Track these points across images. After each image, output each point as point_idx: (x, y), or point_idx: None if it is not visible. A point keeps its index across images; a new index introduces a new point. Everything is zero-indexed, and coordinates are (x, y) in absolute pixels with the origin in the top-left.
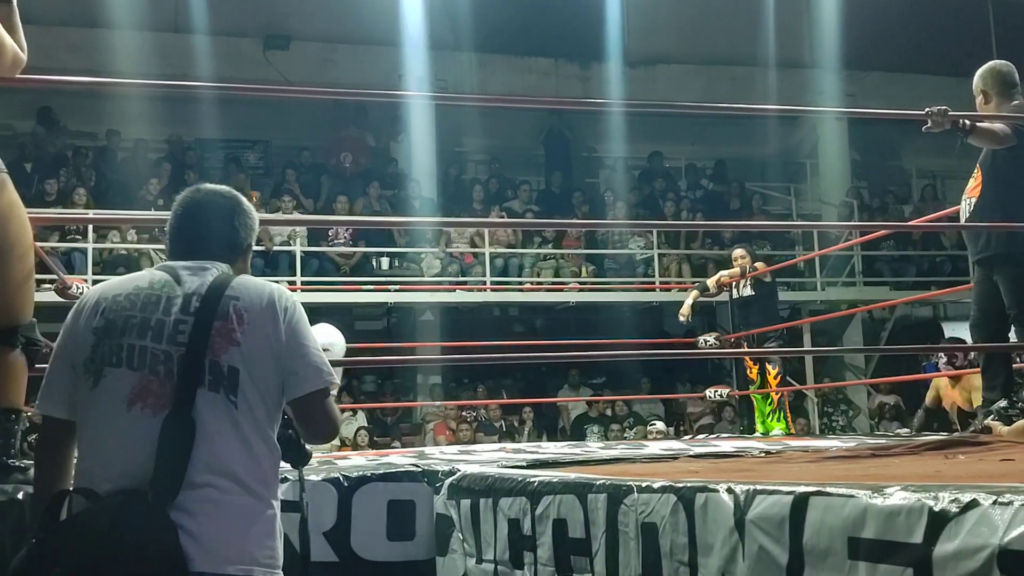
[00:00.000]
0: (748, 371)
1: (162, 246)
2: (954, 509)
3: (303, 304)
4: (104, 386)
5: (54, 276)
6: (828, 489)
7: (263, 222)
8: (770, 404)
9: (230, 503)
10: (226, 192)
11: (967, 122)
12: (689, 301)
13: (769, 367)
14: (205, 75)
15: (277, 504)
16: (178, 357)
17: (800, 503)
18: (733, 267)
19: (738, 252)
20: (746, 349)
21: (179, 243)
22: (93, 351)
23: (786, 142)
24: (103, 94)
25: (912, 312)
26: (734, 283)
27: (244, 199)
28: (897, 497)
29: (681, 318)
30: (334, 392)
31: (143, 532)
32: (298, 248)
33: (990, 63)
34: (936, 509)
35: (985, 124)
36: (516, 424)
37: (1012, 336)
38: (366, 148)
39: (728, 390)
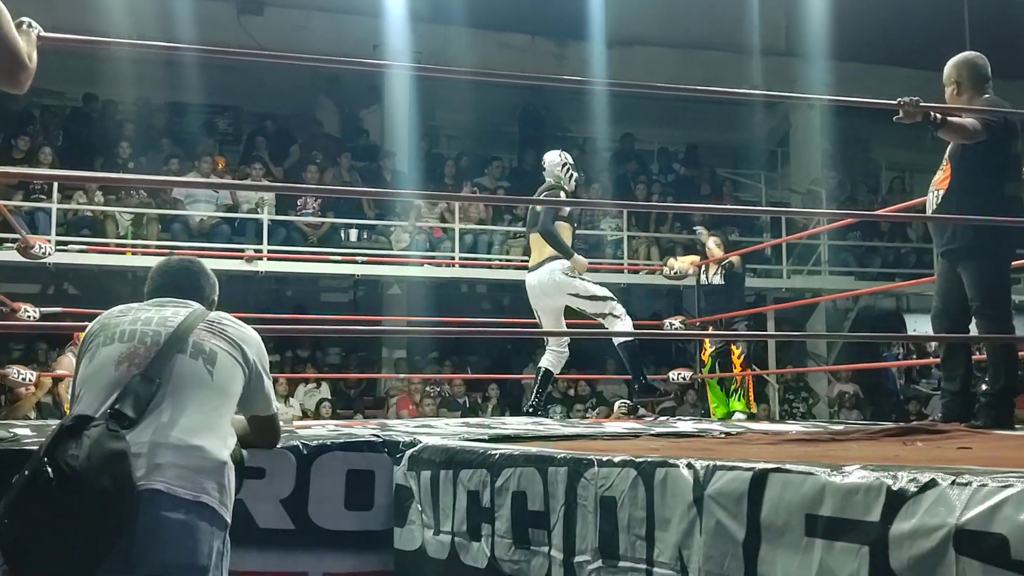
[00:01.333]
0: (702, 353)
1: (128, 209)
2: (912, 488)
3: (269, 272)
4: (97, 358)
5: (17, 235)
6: (787, 466)
7: (231, 187)
8: (733, 383)
9: (185, 444)
10: (193, 260)
11: (938, 115)
12: (685, 263)
13: (733, 347)
14: (178, 38)
15: (227, 462)
16: (166, 333)
17: (759, 479)
18: (707, 251)
19: (713, 240)
20: (711, 332)
21: (157, 293)
22: (88, 344)
23: (759, 129)
24: (72, 54)
25: (875, 303)
26: (703, 269)
27: (207, 266)
28: (856, 476)
29: (669, 271)
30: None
31: (93, 441)
32: (265, 216)
33: (965, 54)
34: (894, 488)
35: (956, 119)
36: (480, 401)
37: (973, 328)
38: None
39: (691, 373)
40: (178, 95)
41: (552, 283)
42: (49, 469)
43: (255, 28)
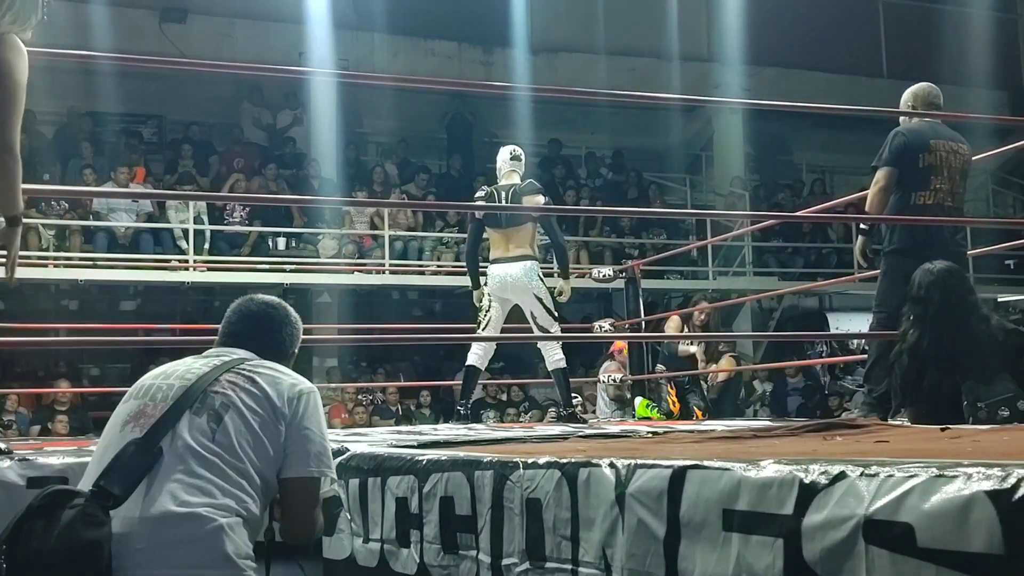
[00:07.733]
0: (671, 405)
1: (51, 221)
2: (823, 481)
3: (196, 282)
4: (113, 418)
5: None
6: (705, 463)
7: (156, 196)
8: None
9: (173, 514)
10: (277, 303)
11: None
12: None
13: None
14: (98, 46)
15: (235, 522)
16: (179, 387)
17: (678, 477)
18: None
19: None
20: (640, 335)
21: (225, 340)
22: (119, 406)
23: (683, 134)
24: None
25: (799, 302)
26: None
27: (292, 310)
28: (770, 470)
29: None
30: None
31: (64, 527)
32: (191, 226)
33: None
34: (806, 481)
35: (870, 215)
36: (413, 408)
37: None
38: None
39: (621, 375)
40: (100, 104)
41: (526, 280)
42: (3, 563)
43: (177, 36)
